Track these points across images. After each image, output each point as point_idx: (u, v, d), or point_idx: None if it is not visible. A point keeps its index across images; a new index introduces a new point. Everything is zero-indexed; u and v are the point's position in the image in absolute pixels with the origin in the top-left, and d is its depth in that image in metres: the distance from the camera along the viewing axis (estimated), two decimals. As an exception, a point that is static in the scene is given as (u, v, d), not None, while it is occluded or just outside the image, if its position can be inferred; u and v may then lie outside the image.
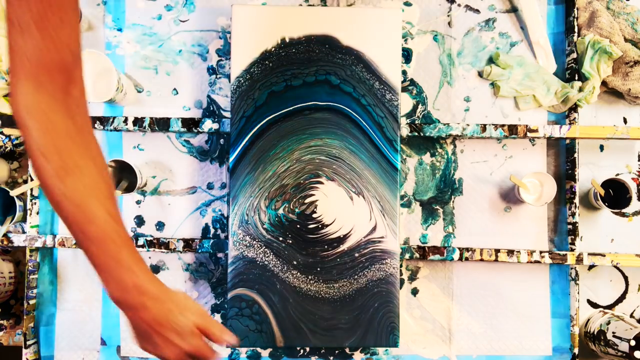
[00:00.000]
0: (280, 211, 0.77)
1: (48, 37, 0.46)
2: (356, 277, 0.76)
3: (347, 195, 0.76)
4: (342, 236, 0.76)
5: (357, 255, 0.76)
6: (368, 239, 0.76)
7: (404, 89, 0.92)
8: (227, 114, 0.90)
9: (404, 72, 0.92)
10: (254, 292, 0.76)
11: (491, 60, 0.93)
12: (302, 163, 0.77)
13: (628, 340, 0.78)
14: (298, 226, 0.77)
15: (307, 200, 0.76)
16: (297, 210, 0.76)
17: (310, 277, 0.76)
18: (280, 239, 0.76)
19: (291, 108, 0.77)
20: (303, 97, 0.78)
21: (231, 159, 0.78)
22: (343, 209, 0.77)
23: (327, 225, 0.76)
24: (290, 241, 0.76)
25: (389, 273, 0.77)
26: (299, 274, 0.76)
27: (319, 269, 0.76)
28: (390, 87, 0.78)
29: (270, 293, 0.76)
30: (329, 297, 0.76)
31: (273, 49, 0.78)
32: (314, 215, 0.76)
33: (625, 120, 0.93)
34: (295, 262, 0.76)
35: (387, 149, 0.78)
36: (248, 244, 0.77)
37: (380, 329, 0.77)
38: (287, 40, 0.78)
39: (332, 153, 0.77)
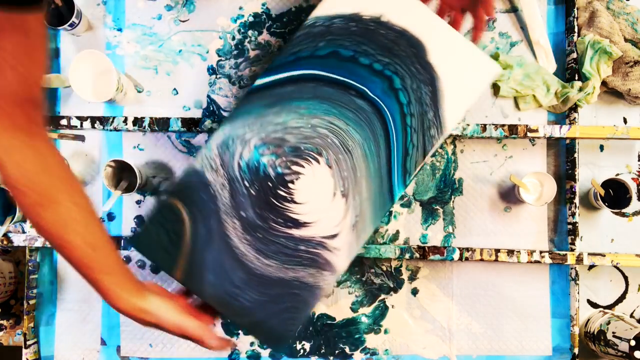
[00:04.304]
0: (264, 159, 0.69)
1: (21, 75, 0.47)
2: (288, 267, 0.68)
3: (332, 190, 0.69)
4: (301, 221, 0.68)
5: (302, 248, 0.68)
6: (322, 241, 0.68)
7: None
8: (227, 114, 0.90)
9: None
10: (186, 213, 0.68)
11: (491, 60, 0.93)
12: (315, 132, 0.70)
13: (628, 340, 0.78)
14: (270, 184, 0.69)
15: (294, 168, 0.69)
16: (279, 169, 0.69)
17: (247, 237, 0.68)
18: (246, 183, 0.68)
19: (342, 79, 0.71)
20: (359, 77, 0.71)
21: (259, 81, 0.70)
22: (320, 199, 0.69)
23: (295, 202, 0.69)
24: (253, 192, 0.68)
25: (319, 285, 0.68)
26: (239, 227, 0.68)
27: (260, 236, 0.68)
28: (440, 124, 0.70)
29: (201, 225, 0.68)
30: (251, 268, 0.68)
31: (365, 18, 0.71)
32: (290, 186, 0.69)
33: (625, 120, 0.93)
34: (243, 214, 0.68)
35: (397, 177, 0.70)
36: (213, 167, 0.69)
37: (274, 329, 0.67)
38: (383, 20, 0.71)
39: (347, 143, 0.70)
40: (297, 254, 0.68)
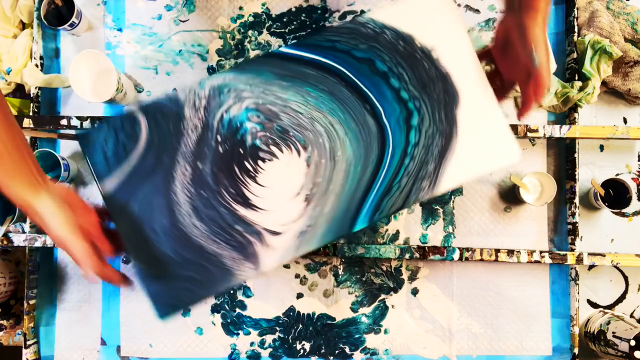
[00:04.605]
0: (248, 125, 0.64)
1: None
2: (214, 239, 0.63)
3: (298, 189, 0.63)
4: (252, 203, 0.63)
5: (239, 228, 0.63)
6: (262, 233, 0.63)
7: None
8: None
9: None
10: (146, 134, 0.63)
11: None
12: (311, 126, 0.65)
13: (628, 340, 0.78)
14: (241, 151, 0.63)
15: (272, 148, 0.63)
16: (257, 141, 0.63)
17: (190, 189, 0.63)
18: (219, 137, 0.63)
19: (364, 89, 0.65)
20: (381, 96, 0.66)
21: (284, 49, 0.66)
22: (282, 191, 0.64)
23: (256, 182, 0.63)
24: (221, 150, 0.63)
25: (235, 273, 0.62)
26: (188, 175, 0.63)
27: (204, 194, 0.63)
28: (435, 181, 0.64)
29: (152, 154, 0.63)
30: (178, 220, 0.63)
31: (417, 44, 0.66)
32: (260, 164, 0.64)
33: (625, 120, 0.93)
34: (199, 165, 0.63)
35: (366, 210, 0.64)
36: (196, 105, 0.64)
37: (167, 292, 0.62)
38: (433, 54, 0.66)
39: (337, 152, 0.64)
40: (231, 231, 0.63)
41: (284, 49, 0.65)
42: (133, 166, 0.62)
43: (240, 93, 0.64)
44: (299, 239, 0.63)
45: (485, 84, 0.64)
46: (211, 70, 0.92)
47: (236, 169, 0.64)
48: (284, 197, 0.64)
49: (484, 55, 0.66)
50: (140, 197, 0.62)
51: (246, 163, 0.64)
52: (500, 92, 0.66)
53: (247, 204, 0.63)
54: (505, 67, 0.64)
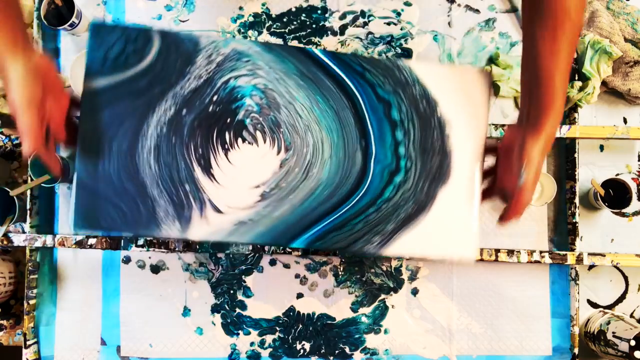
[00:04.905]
0: (248, 101, 0.63)
1: None
2: (160, 185, 0.61)
3: (260, 183, 0.62)
4: (212, 173, 0.62)
5: (187, 188, 0.62)
6: (206, 204, 0.62)
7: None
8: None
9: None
10: (152, 56, 0.62)
11: (491, 60, 0.93)
12: (303, 133, 0.63)
13: (628, 340, 0.78)
14: (227, 121, 0.62)
15: (257, 134, 0.63)
16: (247, 120, 0.62)
17: (163, 128, 0.62)
18: (215, 97, 0.62)
19: (370, 129, 0.64)
20: (380, 142, 0.64)
21: (318, 52, 0.65)
22: (245, 176, 0.62)
23: (225, 156, 0.62)
24: (210, 110, 0.62)
25: (160, 225, 0.61)
26: (169, 115, 0.62)
27: (173, 141, 0.62)
28: (380, 246, 0.63)
29: (147, 78, 0.62)
30: (136, 149, 0.61)
31: (434, 116, 0.65)
32: (238, 141, 0.62)
33: (625, 120, 0.93)
34: (184, 112, 0.62)
35: (309, 236, 0.62)
36: (211, 57, 0.62)
37: (92, 205, 0.61)
38: (447, 131, 0.65)
39: (313, 167, 0.63)
40: (179, 187, 0.62)
41: (317, 51, 0.64)
42: (125, 80, 0.61)
43: (257, 69, 0.63)
44: (235, 227, 0.62)
45: (477, 179, 0.64)
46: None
47: (215, 134, 0.63)
48: (243, 183, 0.63)
49: (492, 149, 0.65)
50: (115, 111, 0.61)
51: (227, 134, 0.63)
52: (488, 192, 0.65)
53: (207, 170, 0.62)
54: (501, 171, 0.62)
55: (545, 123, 0.56)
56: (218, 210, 0.62)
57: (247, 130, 0.63)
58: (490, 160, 0.65)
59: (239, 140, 0.63)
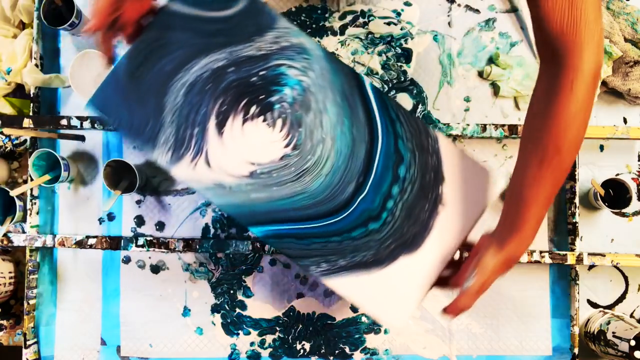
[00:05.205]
0: (286, 90, 0.65)
1: None
2: (173, 117, 0.64)
3: (255, 163, 0.65)
4: (222, 132, 0.65)
5: (194, 131, 0.65)
6: (202, 153, 0.65)
7: (403, 89, 0.92)
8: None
9: (404, 72, 0.92)
10: (229, 12, 0.66)
11: (491, 60, 0.93)
12: (316, 144, 0.65)
13: (628, 340, 0.78)
14: (260, 97, 0.65)
15: (277, 121, 0.65)
16: (276, 105, 0.65)
17: (205, 73, 0.65)
18: (260, 72, 0.66)
19: (371, 175, 0.65)
20: (382, 169, 0.66)
21: (367, 83, 0.67)
22: (246, 149, 0.65)
23: (241, 125, 0.65)
24: (251, 80, 0.65)
25: (156, 145, 0.65)
26: (218, 64, 0.65)
27: (207, 86, 0.65)
28: (329, 276, 0.64)
29: (220, 27, 0.65)
30: (173, 79, 0.65)
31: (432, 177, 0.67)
32: (259, 118, 0.65)
33: (625, 120, 0.93)
34: (231, 69, 0.65)
35: (279, 229, 0.64)
36: (277, 38, 0.65)
37: (114, 98, 0.65)
38: (445, 179, 0.66)
39: (305, 178, 0.65)
40: (188, 126, 0.65)
41: (367, 83, 0.66)
42: (200, 17, 0.65)
43: (309, 69, 0.66)
44: (214, 186, 0.64)
45: (441, 265, 0.64)
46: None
47: (244, 101, 0.65)
48: (242, 155, 0.65)
49: (469, 246, 0.65)
50: (178, 36, 0.64)
51: (253, 106, 0.65)
52: (444, 280, 0.64)
53: (220, 126, 0.65)
54: (462, 268, 0.62)
55: (508, 244, 0.57)
56: (208, 164, 0.64)
57: (272, 113, 0.65)
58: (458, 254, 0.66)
59: (261, 118, 0.65)
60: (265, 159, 0.65)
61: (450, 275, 0.64)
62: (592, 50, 0.50)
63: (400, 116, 0.66)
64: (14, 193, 0.82)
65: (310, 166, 0.66)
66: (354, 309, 0.91)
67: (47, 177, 0.85)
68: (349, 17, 0.93)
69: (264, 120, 0.65)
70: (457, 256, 0.66)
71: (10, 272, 0.89)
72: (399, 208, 0.65)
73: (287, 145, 0.65)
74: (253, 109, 0.65)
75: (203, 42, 0.65)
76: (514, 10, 0.94)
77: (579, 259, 0.85)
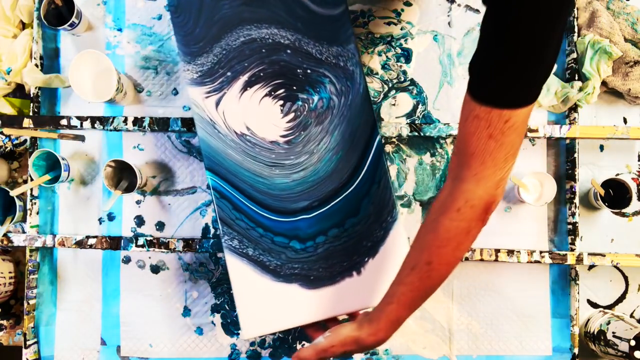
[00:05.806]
0: (312, 98, 0.72)
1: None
2: (224, 59, 0.72)
3: (249, 128, 0.72)
4: (247, 87, 0.72)
5: (227, 74, 0.72)
6: (222, 92, 0.73)
7: (403, 89, 0.92)
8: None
9: (404, 72, 0.92)
10: None
11: (491, 60, 0.92)
12: (304, 152, 0.72)
13: (628, 340, 0.78)
14: (293, 87, 0.72)
15: (295, 112, 0.73)
16: (301, 94, 0.72)
17: (264, 47, 0.72)
18: (316, 69, 0.72)
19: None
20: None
21: (378, 130, 0.74)
22: (253, 119, 0.72)
23: (259, 97, 0.72)
24: (298, 72, 0.72)
25: (184, 70, 0.74)
26: (283, 42, 0.72)
27: (262, 53, 0.72)
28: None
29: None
30: (235, 20, 0.73)
31: None
32: (279, 102, 0.72)
33: (625, 120, 0.93)
34: (287, 50, 0.72)
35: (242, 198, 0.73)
36: (348, 39, 0.73)
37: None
38: None
39: (302, 167, 0.72)
40: (225, 66, 0.72)
41: (378, 136, 0.73)
42: (297, 0, 0.72)
43: (344, 96, 0.73)
44: (209, 121, 0.72)
45: (320, 317, 0.70)
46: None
47: (279, 81, 0.72)
48: (245, 117, 0.72)
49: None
50: (272, 2, 0.72)
51: (280, 90, 0.73)
52: (315, 325, 0.70)
53: (245, 87, 0.72)
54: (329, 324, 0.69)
55: (363, 328, 0.59)
56: (217, 104, 0.72)
57: (291, 104, 0.72)
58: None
59: (280, 102, 0.72)
60: (260, 133, 0.72)
61: (351, 318, 0.70)
62: (489, 185, 0.51)
63: (381, 182, 0.73)
64: (14, 193, 0.82)
65: (287, 165, 0.72)
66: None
67: (47, 177, 0.85)
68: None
69: (282, 105, 0.72)
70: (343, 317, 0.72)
71: (10, 272, 0.89)
72: (324, 248, 0.71)
73: (283, 136, 0.72)
74: (280, 91, 0.72)
75: (285, 18, 0.72)
76: (514, 10, 0.94)
77: (579, 259, 0.85)
